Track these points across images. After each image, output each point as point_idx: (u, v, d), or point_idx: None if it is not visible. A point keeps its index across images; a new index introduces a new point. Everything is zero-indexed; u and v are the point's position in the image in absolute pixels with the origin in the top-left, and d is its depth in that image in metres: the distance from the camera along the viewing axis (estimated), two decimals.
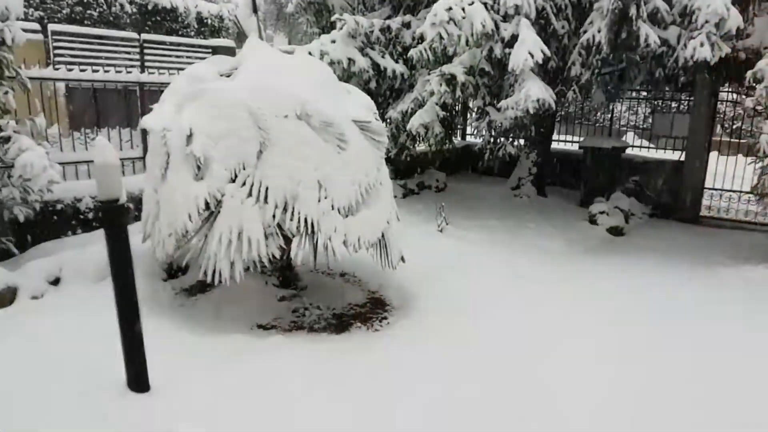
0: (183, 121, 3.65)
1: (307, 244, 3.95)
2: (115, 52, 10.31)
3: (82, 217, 5.45)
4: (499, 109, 6.61)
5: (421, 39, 7.18)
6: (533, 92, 5.65)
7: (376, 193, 4.07)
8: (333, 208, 3.75)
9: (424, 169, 9.76)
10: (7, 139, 3.94)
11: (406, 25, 7.92)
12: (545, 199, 8.94)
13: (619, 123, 12.25)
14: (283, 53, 4.33)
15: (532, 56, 5.68)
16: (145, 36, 10.93)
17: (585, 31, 6.28)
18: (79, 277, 4.27)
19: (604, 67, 6.30)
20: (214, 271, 3.56)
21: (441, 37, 6.25)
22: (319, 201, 3.69)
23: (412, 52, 6.99)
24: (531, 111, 5.80)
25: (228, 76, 4.05)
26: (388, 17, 8.32)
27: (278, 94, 3.71)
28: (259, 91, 3.70)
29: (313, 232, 3.70)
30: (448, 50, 6.91)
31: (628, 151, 9.27)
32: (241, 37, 4.55)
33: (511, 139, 7.57)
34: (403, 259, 4.42)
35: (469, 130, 11.59)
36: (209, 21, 13.47)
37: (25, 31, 8.83)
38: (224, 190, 3.59)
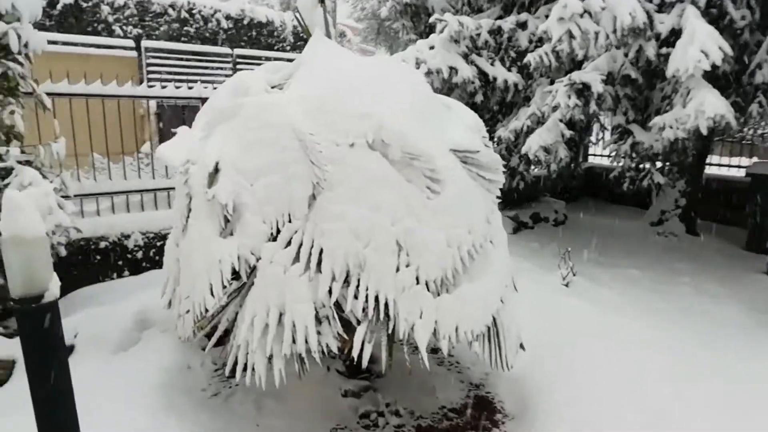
0: (208, 150, 2.57)
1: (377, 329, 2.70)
2: (208, 68, 10.17)
3: (130, 256, 4.66)
4: (647, 128, 5.02)
5: (540, 41, 5.78)
6: (709, 106, 4.02)
7: (483, 258, 2.74)
8: (418, 282, 2.48)
9: (539, 197, 8.22)
10: (9, 172, 3.08)
11: (522, 26, 6.53)
12: (697, 239, 7.07)
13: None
14: (359, 56, 3.16)
15: (707, 56, 4.06)
16: (238, 51, 10.62)
17: None
18: (96, 345, 3.34)
19: None
20: (245, 367, 2.46)
21: (571, 36, 4.81)
22: (397, 270, 2.45)
23: (530, 57, 5.60)
24: (704, 131, 4.16)
25: (281, 88, 2.95)
26: (499, 17, 6.96)
27: (343, 112, 2.53)
28: (315, 107, 2.55)
29: (387, 316, 2.45)
30: (577, 53, 5.42)
31: None
32: None
33: (660, 165, 5.87)
34: (522, 346, 3.05)
35: (593, 150, 9.87)
36: (305, 35, 12.89)
37: (120, 48, 8.57)
38: (260, 252, 2.46)
